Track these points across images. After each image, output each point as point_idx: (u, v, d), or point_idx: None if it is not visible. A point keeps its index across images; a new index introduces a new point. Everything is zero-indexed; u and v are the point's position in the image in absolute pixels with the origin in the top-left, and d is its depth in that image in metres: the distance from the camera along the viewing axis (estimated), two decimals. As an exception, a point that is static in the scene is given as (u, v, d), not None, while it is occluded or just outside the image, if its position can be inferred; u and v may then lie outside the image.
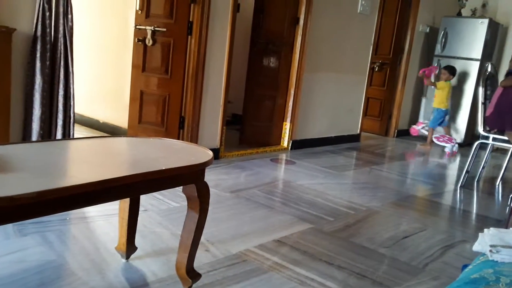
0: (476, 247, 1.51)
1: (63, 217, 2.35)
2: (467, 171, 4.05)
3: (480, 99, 3.92)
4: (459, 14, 6.55)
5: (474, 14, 6.58)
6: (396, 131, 6.45)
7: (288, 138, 4.80)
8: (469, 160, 4.07)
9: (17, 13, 2.69)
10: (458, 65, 5.99)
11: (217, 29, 3.80)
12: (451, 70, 5.66)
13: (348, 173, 4.18)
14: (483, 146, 4.21)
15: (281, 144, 4.83)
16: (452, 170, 4.92)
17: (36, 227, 2.20)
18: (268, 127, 4.82)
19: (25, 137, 2.78)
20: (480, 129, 3.88)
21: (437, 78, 5.85)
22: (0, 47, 2.51)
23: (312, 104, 4.97)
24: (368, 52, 5.58)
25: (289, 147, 4.82)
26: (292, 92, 4.73)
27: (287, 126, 4.79)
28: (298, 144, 4.88)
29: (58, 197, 1.24)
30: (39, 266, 1.86)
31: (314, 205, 3.06)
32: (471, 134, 6.19)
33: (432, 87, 5.91)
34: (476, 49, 5.95)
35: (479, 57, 5.93)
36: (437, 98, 5.70)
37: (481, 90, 3.93)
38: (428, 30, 6.48)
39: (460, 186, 3.96)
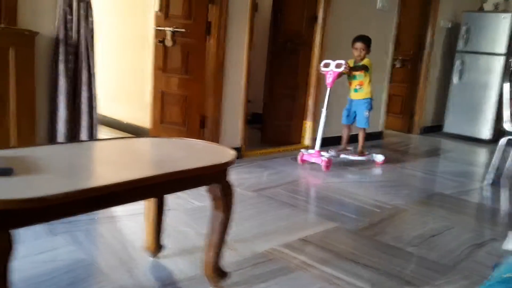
0: (507, 245, 1.47)
1: (91, 217, 2.38)
2: (495, 168, 3.95)
3: (506, 94, 3.83)
4: (481, 9, 6.41)
5: (496, 9, 6.42)
6: (419, 128, 6.35)
7: (310, 136, 4.76)
8: (495, 157, 3.97)
9: (39, 17, 2.72)
10: (482, 61, 5.87)
11: (236, 29, 3.80)
12: (368, 41, 4.13)
13: (372, 171, 4.12)
14: (510, 142, 4.10)
15: (303, 142, 4.80)
16: (479, 167, 4.81)
17: (66, 227, 2.23)
18: (288, 125, 4.80)
19: (51, 139, 2.82)
20: (507, 125, 3.79)
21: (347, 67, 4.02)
22: (23, 51, 2.54)
23: (334, 102, 4.91)
24: (388, 48, 5.50)
25: (311, 146, 4.78)
26: (312, 90, 4.69)
27: (308, 124, 4.76)
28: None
29: (85, 197, 1.24)
30: (70, 265, 1.89)
31: (338, 203, 3.03)
32: (498, 130, 6.05)
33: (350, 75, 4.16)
34: (499, 44, 5.81)
35: (503, 52, 5.79)
36: (366, 83, 4.13)
37: (507, 86, 3.83)
38: (450, 26, 6.36)
39: (488, 183, 3.87)
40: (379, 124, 5.67)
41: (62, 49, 2.76)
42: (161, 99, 3.94)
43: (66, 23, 2.77)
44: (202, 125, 3.83)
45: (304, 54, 4.65)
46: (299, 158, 4.01)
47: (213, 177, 1.69)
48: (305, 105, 4.74)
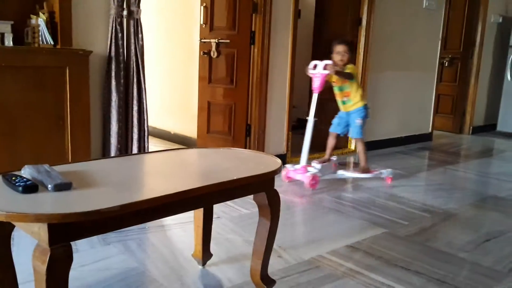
0: None
1: (142, 226, 2.48)
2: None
3: None
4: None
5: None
6: (471, 128, 6.12)
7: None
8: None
9: (92, 36, 2.88)
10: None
11: (279, 36, 3.83)
12: (350, 44, 3.70)
13: (421, 174, 4.03)
14: None
15: (349, 146, 4.75)
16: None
17: (118, 236, 2.34)
18: (334, 130, 4.76)
19: (105, 153, 2.97)
20: None
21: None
22: (78, 69, 2.69)
23: (379, 105, 4.84)
24: (436, 47, 5.35)
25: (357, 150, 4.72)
26: (358, 93, 4.64)
27: (354, 128, 4.70)
28: (366, 146, 4.76)
29: (138, 209, 1.31)
30: (123, 273, 1.98)
31: (386, 208, 2.99)
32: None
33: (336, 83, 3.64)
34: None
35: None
36: (353, 93, 3.57)
37: None
38: (501, 20, 6.11)
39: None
40: (428, 125, 5.53)
41: (114, 65, 2.90)
42: (207, 109, 4.04)
43: (117, 40, 2.91)
44: (247, 133, 3.89)
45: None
46: (283, 175, 3.53)
47: (259, 185, 1.73)
48: (351, 109, 4.69)
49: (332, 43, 3.59)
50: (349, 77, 3.48)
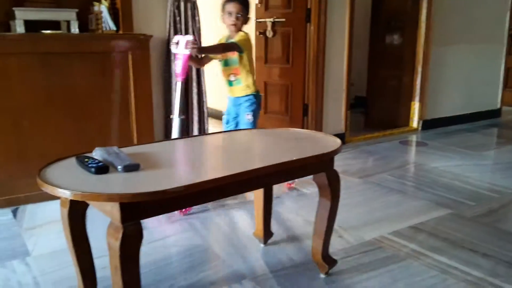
0: None
1: (205, 205, 2.55)
2: None
3: None
4: None
5: None
6: (545, 102, 5.72)
7: (418, 118, 4.55)
8: None
9: (152, 21, 2.95)
10: None
11: (336, 13, 3.74)
12: (246, 3, 2.64)
13: (489, 153, 3.83)
14: None
15: (410, 125, 4.60)
16: None
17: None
18: (394, 108, 4.63)
19: (167, 135, 3.06)
20: None
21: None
22: (140, 54, 2.78)
23: (443, 80, 4.63)
24: (505, 18, 5.00)
25: (419, 128, 4.57)
26: (419, 69, 4.46)
27: (415, 105, 4.54)
28: (429, 124, 4.60)
29: (202, 189, 1.35)
30: (188, 250, 2.05)
31: (451, 188, 2.88)
32: None
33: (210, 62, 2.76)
34: None
35: None
36: (243, 72, 2.63)
37: None
38: None
39: None
40: (496, 101, 5.22)
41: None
42: (264, 90, 4.04)
43: (176, 24, 2.96)
44: (304, 113, 3.86)
45: (410, 31, 4.44)
46: None
47: (319, 166, 1.72)
48: (413, 85, 4.52)
49: (222, 1, 2.67)
50: (236, 48, 2.53)
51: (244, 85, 2.65)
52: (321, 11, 3.63)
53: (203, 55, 2.65)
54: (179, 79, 2.45)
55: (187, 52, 2.38)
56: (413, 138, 4.32)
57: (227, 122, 2.77)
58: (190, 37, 2.39)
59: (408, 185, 2.96)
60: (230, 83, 2.69)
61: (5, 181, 2.51)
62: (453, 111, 4.82)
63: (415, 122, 4.57)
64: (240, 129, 2.18)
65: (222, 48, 2.58)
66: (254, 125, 2.66)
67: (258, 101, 2.70)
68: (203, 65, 2.74)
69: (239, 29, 2.60)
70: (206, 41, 3.30)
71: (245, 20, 2.61)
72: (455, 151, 3.79)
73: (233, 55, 2.58)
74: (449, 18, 4.47)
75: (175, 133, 2.49)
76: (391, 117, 4.63)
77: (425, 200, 2.66)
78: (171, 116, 2.53)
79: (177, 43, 2.43)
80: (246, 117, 2.65)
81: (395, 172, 3.21)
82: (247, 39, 2.58)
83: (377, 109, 4.76)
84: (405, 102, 4.59)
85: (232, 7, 2.57)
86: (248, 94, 2.66)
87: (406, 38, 4.48)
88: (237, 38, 2.56)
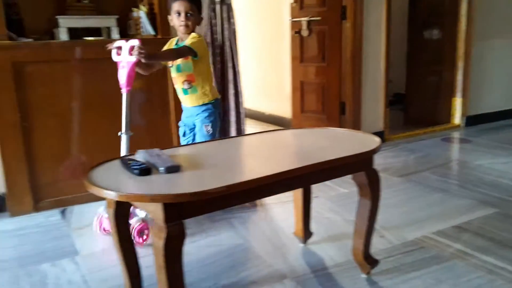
0: None
1: (244, 205, 2.57)
2: None
3: None
4: None
5: None
6: None
7: (461, 114, 4.42)
8: None
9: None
10: None
11: (372, 10, 3.69)
12: (198, 2, 2.35)
13: (537, 149, 3.67)
14: None
15: (452, 121, 4.47)
16: None
17: (222, 214, 2.46)
18: (435, 104, 4.52)
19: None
20: None
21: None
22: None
23: (486, 75, 4.47)
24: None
25: (462, 124, 4.43)
26: (460, 64, 4.33)
27: (457, 101, 4.42)
28: (472, 120, 4.46)
29: (243, 189, 1.36)
30: (229, 249, 2.08)
31: (497, 186, 2.78)
32: None
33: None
34: None
35: None
36: (199, 78, 2.31)
37: None
38: None
39: None
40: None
41: (210, 51, 3.00)
42: (300, 89, 4.03)
43: (212, 26, 3.00)
44: (341, 111, 3.82)
45: (449, 26, 4.31)
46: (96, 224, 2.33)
47: (358, 165, 1.70)
48: (453, 81, 4.40)
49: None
50: (186, 53, 2.22)
51: (200, 93, 2.33)
52: (357, 8, 3.59)
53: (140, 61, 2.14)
54: (125, 89, 2.14)
55: (133, 59, 2.07)
56: (456, 134, 4.20)
57: (184, 135, 2.46)
58: (136, 42, 2.06)
59: (452, 184, 2.88)
60: (184, 91, 2.35)
61: (53, 183, 2.62)
62: (498, 106, 4.65)
63: (457, 119, 4.44)
64: (278, 129, 2.18)
65: (176, 54, 2.25)
66: (214, 136, 2.40)
67: (217, 110, 2.43)
68: (152, 71, 2.36)
69: (191, 31, 2.28)
70: (241, 42, 3.33)
71: (197, 20, 2.31)
72: (500, 147, 3.66)
73: (186, 60, 2.27)
74: (492, 10, 4.32)
75: (123, 150, 2.14)
76: (431, 114, 4.52)
77: (469, 199, 2.59)
78: (119, 133, 2.17)
79: (119, 49, 2.15)
80: (205, 129, 2.37)
81: (438, 170, 3.13)
82: (200, 41, 2.26)
83: (416, 106, 4.65)
84: (446, 99, 4.47)
85: (180, 5, 2.24)
86: (205, 102, 2.35)
87: (445, 33, 4.36)
88: (189, 41, 2.23)
